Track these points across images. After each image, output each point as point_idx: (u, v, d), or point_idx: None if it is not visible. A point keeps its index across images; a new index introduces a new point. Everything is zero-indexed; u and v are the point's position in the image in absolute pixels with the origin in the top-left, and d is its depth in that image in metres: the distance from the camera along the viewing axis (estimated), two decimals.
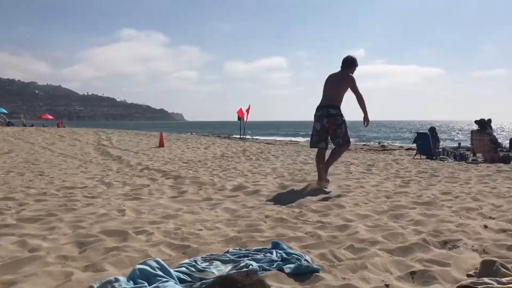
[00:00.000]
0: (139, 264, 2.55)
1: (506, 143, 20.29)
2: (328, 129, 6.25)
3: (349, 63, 6.43)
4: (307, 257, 2.85)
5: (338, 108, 6.25)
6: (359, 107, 6.32)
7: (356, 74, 6.45)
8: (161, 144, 15.25)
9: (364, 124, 6.41)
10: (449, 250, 3.09)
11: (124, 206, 4.88)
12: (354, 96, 6.28)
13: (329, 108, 6.23)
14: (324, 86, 6.41)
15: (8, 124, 35.70)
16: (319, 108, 6.33)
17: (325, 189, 5.94)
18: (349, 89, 6.27)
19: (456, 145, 17.11)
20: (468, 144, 16.52)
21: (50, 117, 61.79)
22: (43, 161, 9.93)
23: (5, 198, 5.28)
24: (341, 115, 6.24)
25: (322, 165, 6.34)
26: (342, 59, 6.48)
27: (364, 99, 6.29)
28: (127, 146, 15.10)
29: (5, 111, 41.92)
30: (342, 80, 6.30)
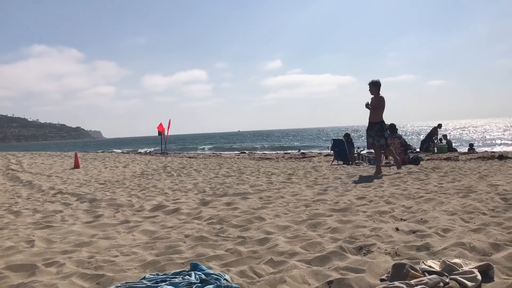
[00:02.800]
0: None
1: (415, 145, 21.69)
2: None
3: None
4: (227, 276, 2.81)
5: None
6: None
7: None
8: (76, 165, 14.55)
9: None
10: (363, 255, 3.20)
11: (33, 236, 4.55)
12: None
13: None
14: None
15: None
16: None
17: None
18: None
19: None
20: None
21: None
22: None
23: None
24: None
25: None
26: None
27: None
28: (39, 169, 14.23)
29: None
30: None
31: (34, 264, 3.43)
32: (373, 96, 9.25)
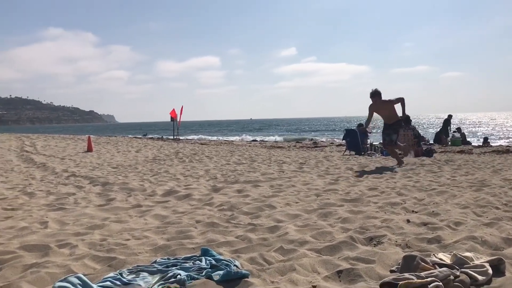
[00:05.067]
0: (59, 281, 2.42)
1: (429, 137, 21.51)
2: None
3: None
4: (237, 263, 2.83)
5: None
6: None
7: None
8: (89, 149, 14.69)
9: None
10: (374, 246, 3.20)
11: (47, 217, 4.62)
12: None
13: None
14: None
15: None
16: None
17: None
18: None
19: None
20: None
21: None
22: None
23: None
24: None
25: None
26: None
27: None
28: (53, 151, 14.39)
29: None
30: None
31: (47, 245, 3.49)
32: (376, 104, 9.17)
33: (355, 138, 14.43)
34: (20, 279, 2.74)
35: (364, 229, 3.62)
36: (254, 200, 5.21)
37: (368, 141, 15.22)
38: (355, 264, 2.76)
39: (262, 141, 30.14)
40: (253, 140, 31.27)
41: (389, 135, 9.20)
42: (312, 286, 2.44)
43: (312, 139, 31.32)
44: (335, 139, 29.05)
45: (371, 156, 12.96)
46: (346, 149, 14.86)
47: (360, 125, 15.28)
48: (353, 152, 14.30)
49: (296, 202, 5.06)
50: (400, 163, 9.19)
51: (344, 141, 15.83)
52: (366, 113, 9.42)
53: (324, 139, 30.22)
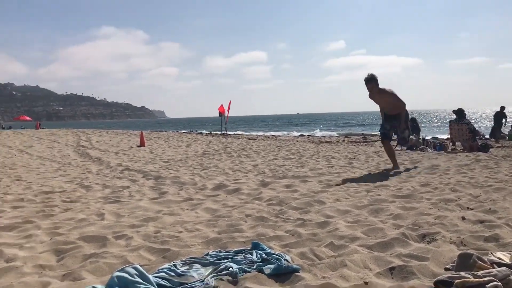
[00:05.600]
0: (117, 271, 2.52)
1: (484, 132, 20.62)
2: None
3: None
4: (287, 257, 2.85)
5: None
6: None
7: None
8: (141, 144, 15.12)
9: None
10: (427, 243, 3.12)
11: (103, 210, 4.82)
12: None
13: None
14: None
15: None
16: None
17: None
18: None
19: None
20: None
21: (28, 118, 60.81)
22: (21, 165, 9.75)
23: None
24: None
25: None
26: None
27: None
28: (107, 146, 14.92)
29: None
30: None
31: (104, 236, 3.64)
32: (372, 93, 7.59)
33: None
34: (80, 268, 2.88)
35: (417, 226, 3.54)
36: (303, 195, 5.21)
37: (420, 136, 14.81)
38: (408, 261, 2.71)
39: (310, 135, 29.97)
40: (301, 135, 31.15)
41: (401, 132, 7.83)
42: (364, 282, 2.42)
43: (362, 134, 30.83)
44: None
45: (423, 151, 12.61)
46: (397, 144, 14.54)
47: (412, 120, 14.90)
48: (404, 147, 13.97)
49: (346, 198, 5.01)
50: (394, 165, 7.76)
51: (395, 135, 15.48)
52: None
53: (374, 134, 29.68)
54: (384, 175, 6.77)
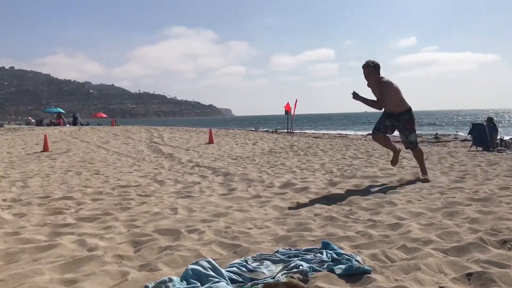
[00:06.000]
0: (192, 264, 2.61)
1: None
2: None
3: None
4: (358, 258, 2.82)
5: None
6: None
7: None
8: (210, 141, 15.49)
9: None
10: (508, 250, 2.97)
11: (176, 204, 5.00)
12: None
13: None
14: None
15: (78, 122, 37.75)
16: None
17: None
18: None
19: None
20: None
21: (104, 115, 64.24)
22: (99, 160, 10.32)
23: (64, 197, 5.54)
24: None
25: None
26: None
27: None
28: (178, 143, 15.42)
29: (62, 111, 43.92)
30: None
31: (178, 229, 3.78)
32: (371, 83, 6.19)
33: (482, 132, 13.40)
34: (156, 259, 3.01)
35: (496, 231, 3.37)
36: (373, 196, 5.11)
37: (498, 136, 14.02)
38: (487, 268, 2.59)
39: None
40: (368, 134, 30.49)
41: (405, 135, 6.26)
42: (439, 287, 2.35)
43: (436, 133, 29.65)
44: (460, 134, 27.18)
45: (501, 152, 11.94)
46: (472, 144, 13.86)
47: (489, 119, 14.13)
48: (480, 148, 13.29)
49: (419, 200, 4.86)
50: (395, 152, 6.55)
51: (470, 136, 14.77)
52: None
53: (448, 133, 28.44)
54: (459, 177, 6.48)
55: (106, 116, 66.90)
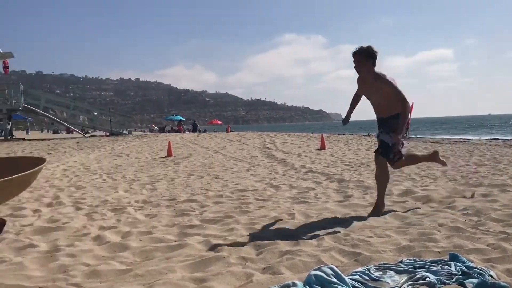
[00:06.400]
0: (314, 270, 2.65)
1: None
2: None
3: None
4: (492, 273, 2.64)
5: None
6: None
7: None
8: (322, 146, 15.44)
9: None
10: None
11: (293, 209, 5.08)
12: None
13: None
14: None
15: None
16: None
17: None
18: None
19: None
20: None
21: (219, 122, 67.35)
22: (217, 165, 10.83)
23: (189, 200, 5.92)
24: None
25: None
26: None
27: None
28: (290, 148, 15.61)
29: (182, 118, 46.94)
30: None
31: (297, 234, 3.85)
32: (362, 78, 4.82)
33: None
34: (278, 263, 3.10)
35: None
36: (504, 207, 4.71)
37: None
38: None
39: (506, 140, 26.84)
40: (494, 139, 28.11)
41: (382, 134, 4.82)
42: None
43: None
44: None
45: None
46: None
47: None
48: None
49: None
50: (377, 208, 4.82)
51: None
52: None
53: None
54: None
55: (221, 122, 70.06)
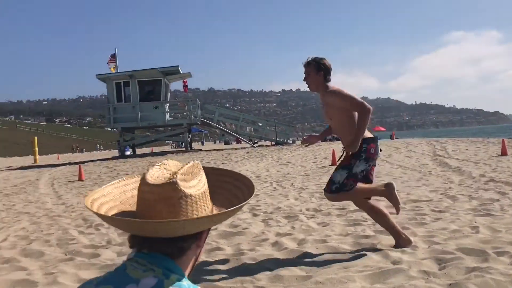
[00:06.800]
0: None
1: None
2: None
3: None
4: None
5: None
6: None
7: None
8: (503, 152, 13.90)
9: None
10: None
11: (476, 222, 4.70)
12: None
13: None
14: None
15: None
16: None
17: None
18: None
19: None
20: None
21: (382, 128, 65.54)
22: (384, 173, 10.52)
23: (358, 210, 5.85)
24: None
25: None
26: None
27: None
28: (465, 155, 14.40)
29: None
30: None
31: (484, 250, 3.55)
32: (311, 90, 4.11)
33: None
34: (465, 280, 2.91)
35: None
36: None
37: None
38: None
39: None
40: None
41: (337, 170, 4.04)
42: None
43: None
44: None
45: None
46: None
47: None
48: None
49: None
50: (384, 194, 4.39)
51: None
52: None
53: None
54: None
55: (384, 129, 68.06)
